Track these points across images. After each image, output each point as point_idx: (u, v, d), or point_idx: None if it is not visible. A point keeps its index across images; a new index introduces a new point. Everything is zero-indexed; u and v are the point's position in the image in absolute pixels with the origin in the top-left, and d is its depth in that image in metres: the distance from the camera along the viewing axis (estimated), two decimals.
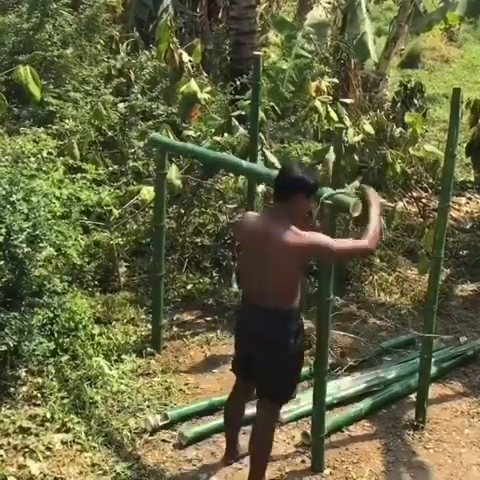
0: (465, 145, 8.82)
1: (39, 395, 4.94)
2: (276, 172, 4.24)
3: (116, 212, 6.36)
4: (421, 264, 6.22)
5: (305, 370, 5.37)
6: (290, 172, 3.99)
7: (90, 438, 4.64)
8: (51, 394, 4.94)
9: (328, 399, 4.73)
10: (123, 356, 5.51)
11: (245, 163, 5.13)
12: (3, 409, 4.78)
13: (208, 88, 8.46)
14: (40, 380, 5.05)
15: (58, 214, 5.58)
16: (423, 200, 8.10)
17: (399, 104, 10.75)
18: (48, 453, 4.49)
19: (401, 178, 7.31)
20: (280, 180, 4.02)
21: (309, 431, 4.67)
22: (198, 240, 6.95)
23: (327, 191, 4.22)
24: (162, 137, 5.93)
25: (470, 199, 9.31)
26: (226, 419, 4.52)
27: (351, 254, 4.12)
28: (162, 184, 5.58)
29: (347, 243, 4.06)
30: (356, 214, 4.16)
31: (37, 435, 4.61)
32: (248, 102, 7.01)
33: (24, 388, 4.98)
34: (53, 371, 5.12)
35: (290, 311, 4.02)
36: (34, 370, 5.11)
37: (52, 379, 5.07)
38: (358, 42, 9.97)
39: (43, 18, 8.19)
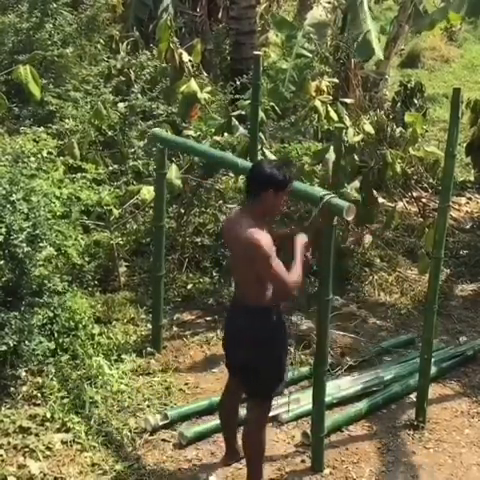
0: (465, 145, 8.83)
1: (39, 395, 4.94)
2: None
3: (116, 212, 6.36)
4: (421, 264, 6.22)
5: (305, 370, 5.40)
6: (260, 169, 4.05)
7: (90, 438, 4.64)
8: (51, 394, 4.94)
9: (328, 399, 4.73)
10: (123, 356, 5.51)
11: (241, 162, 5.11)
12: (3, 409, 4.78)
13: (208, 88, 8.46)
14: (40, 380, 5.05)
15: (58, 214, 5.57)
16: (423, 200, 8.10)
17: (399, 104, 10.75)
18: (48, 453, 4.49)
19: (401, 178, 7.32)
20: (251, 177, 4.08)
21: (309, 431, 4.67)
22: (198, 240, 6.95)
23: (321, 192, 4.25)
24: (162, 132, 5.90)
25: (470, 199, 9.32)
26: (222, 420, 4.53)
27: (277, 280, 3.92)
28: (162, 184, 5.58)
29: (282, 270, 3.87)
30: (350, 218, 4.17)
31: (37, 435, 4.61)
32: (248, 102, 7.02)
33: (24, 388, 4.98)
34: (53, 371, 5.12)
35: (266, 308, 4.05)
36: (34, 370, 5.11)
37: (52, 379, 5.07)
38: (361, 41, 9.91)
39: (43, 18, 8.19)
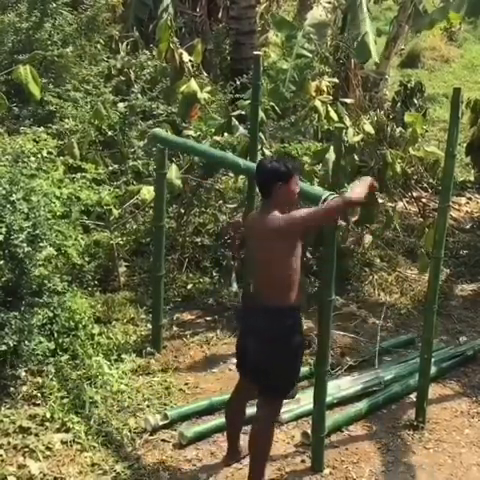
0: (465, 145, 8.83)
1: (39, 395, 4.94)
2: None
3: (116, 212, 6.36)
4: (421, 262, 6.22)
5: (305, 370, 5.39)
6: (262, 168, 4.13)
7: (90, 438, 4.64)
8: (51, 394, 4.94)
9: (328, 399, 4.73)
10: (123, 356, 5.51)
11: (243, 163, 5.13)
12: (3, 409, 4.78)
13: (208, 88, 8.47)
14: (40, 380, 5.05)
15: (58, 214, 5.57)
16: (423, 200, 8.10)
17: (399, 104, 10.75)
18: (48, 453, 4.49)
19: (401, 178, 7.32)
20: (257, 178, 4.17)
21: (309, 431, 4.67)
22: (198, 240, 6.95)
23: (325, 193, 4.26)
24: (162, 132, 5.90)
25: (470, 199, 9.32)
26: (228, 418, 4.53)
27: (318, 216, 4.10)
28: (162, 184, 5.58)
29: (309, 210, 4.10)
30: (354, 218, 4.18)
31: (37, 435, 4.61)
32: (248, 102, 7.02)
33: (24, 388, 4.98)
34: (53, 371, 5.12)
35: (286, 308, 4.07)
36: (34, 370, 5.10)
37: (52, 379, 5.06)
38: (359, 43, 9.97)
39: (43, 17, 8.19)
